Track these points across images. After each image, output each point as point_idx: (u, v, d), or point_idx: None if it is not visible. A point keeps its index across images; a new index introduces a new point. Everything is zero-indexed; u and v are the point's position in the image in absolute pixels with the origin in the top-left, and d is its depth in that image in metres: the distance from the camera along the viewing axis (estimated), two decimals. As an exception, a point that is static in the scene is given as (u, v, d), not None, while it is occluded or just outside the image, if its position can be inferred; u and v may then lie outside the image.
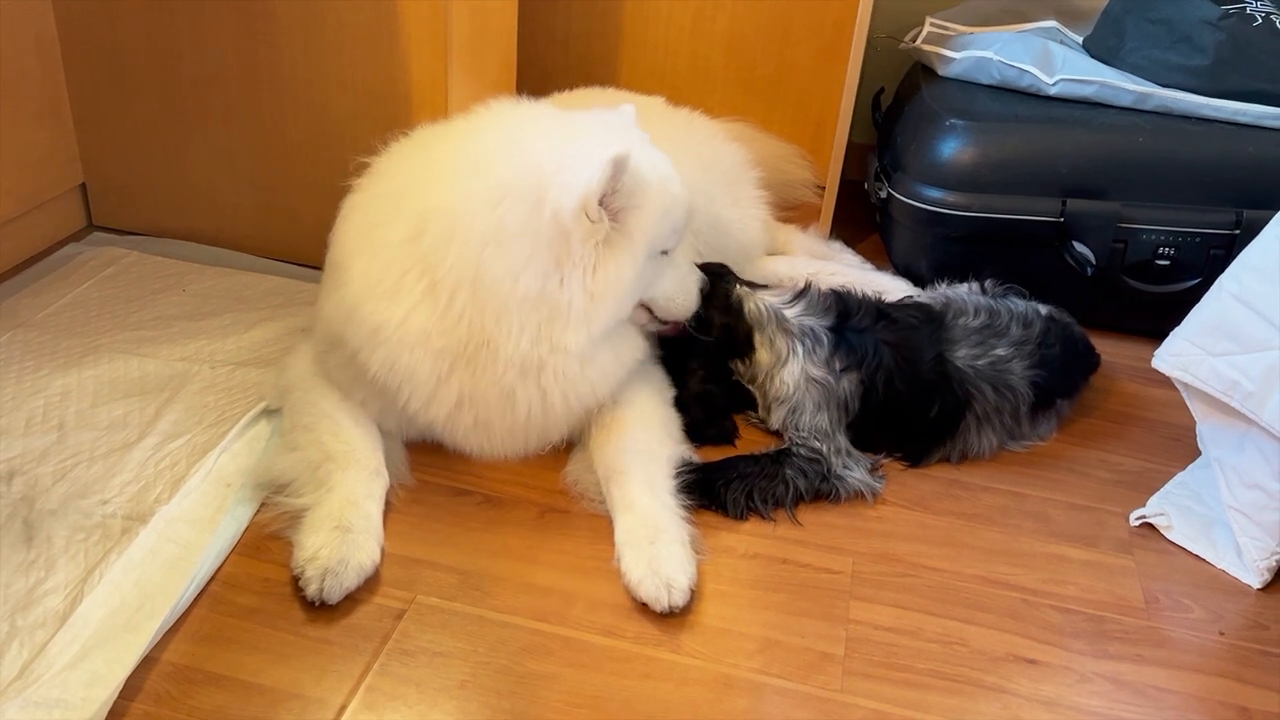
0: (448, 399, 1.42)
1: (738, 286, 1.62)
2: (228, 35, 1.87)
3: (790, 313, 1.59)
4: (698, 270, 1.58)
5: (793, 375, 1.55)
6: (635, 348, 1.51)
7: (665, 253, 1.47)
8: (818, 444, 1.54)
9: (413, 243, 1.37)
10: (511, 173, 1.36)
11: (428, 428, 1.49)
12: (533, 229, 1.33)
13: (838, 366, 1.55)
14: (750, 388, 1.61)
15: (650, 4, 2.33)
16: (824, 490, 1.52)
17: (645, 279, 1.43)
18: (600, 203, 1.32)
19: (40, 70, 1.93)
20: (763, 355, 1.57)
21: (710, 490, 1.48)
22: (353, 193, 1.51)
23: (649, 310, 1.51)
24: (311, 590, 1.25)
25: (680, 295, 1.52)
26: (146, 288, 1.89)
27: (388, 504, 1.41)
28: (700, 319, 1.58)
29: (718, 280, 1.62)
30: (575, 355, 1.39)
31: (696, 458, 1.54)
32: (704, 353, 1.60)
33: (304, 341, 1.61)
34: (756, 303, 1.59)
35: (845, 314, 1.61)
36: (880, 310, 1.65)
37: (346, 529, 1.30)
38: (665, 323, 1.55)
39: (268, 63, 1.87)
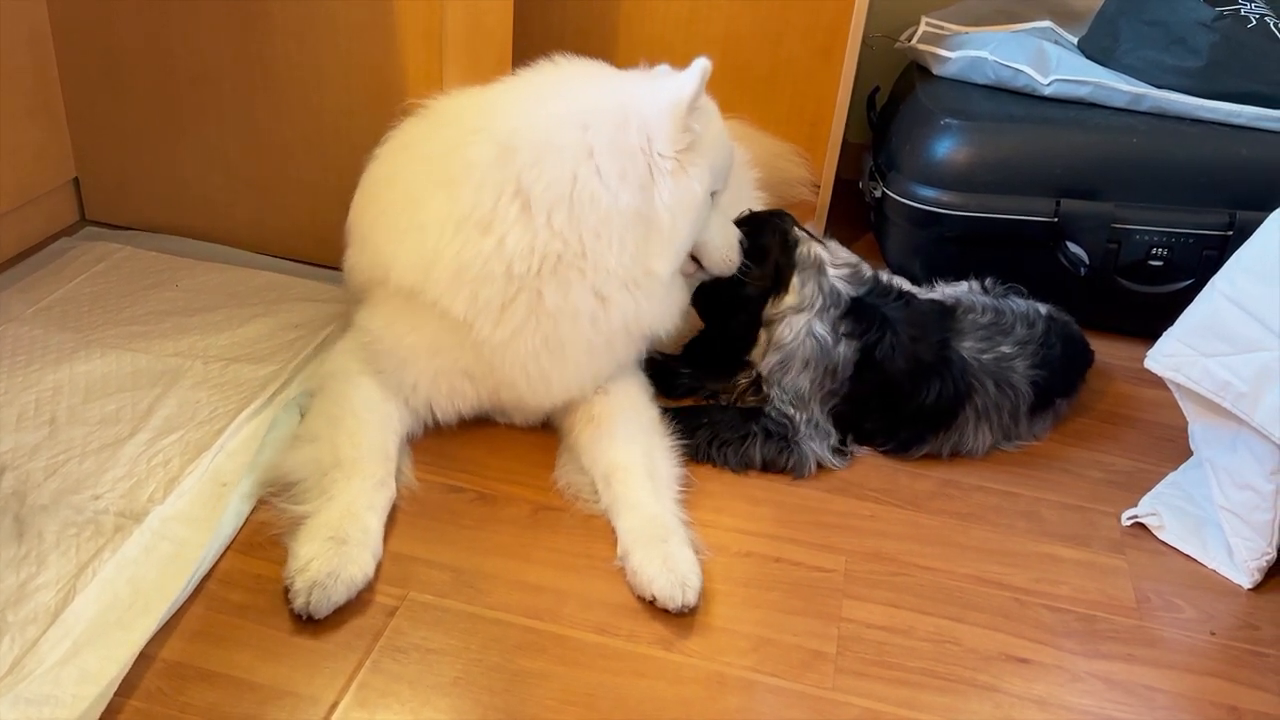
0: (513, 319, 1.43)
1: (796, 229, 1.65)
2: (222, 32, 1.87)
3: (832, 271, 1.62)
4: (738, 230, 1.62)
5: (800, 323, 1.57)
6: (686, 294, 1.59)
7: (713, 198, 1.51)
8: (791, 411, 1.57)
9: (503, 163, 1.39)
10: (594, 99, 1.43)
11: (497, 362, 1.47)
12: (623, 147, 1.39)
13: (841, 331, 1.57)
14: (762, 330, 1.63)
15: (646, 3, 2.33)
16: (782, 460, 1.56)
17: (707, 211, 1.48)
18: (689, 113, 1.39)
19: (33, 66, 1.92)
20: (791, 299, 1.60)
21: (686, 427, 1.57)
22: (402, 128, 1.53)
23: (696, 261, 1.56)
24: (298, 604, 1.23)
25: (725, 243, 1.57)
26: (139, 283, 1.89)
27: (392, 509, 1.40)
28: (753, 254, 1.62)
29: (778, 220, 1.66)
30: (664, 279, 1.45)
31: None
32: (752, 286, 1.62)
33: (351, 333, 1.59)
34: (809, 248, 1.62)
35: (872, 289, 1.64)
36: (900, 292, 1.68)
37: (342, 540, 1.28)
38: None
39: (262, 60, 1.87)
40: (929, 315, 1.65)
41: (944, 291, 1.80)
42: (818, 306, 1.58)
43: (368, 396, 1.48)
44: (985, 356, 1.63)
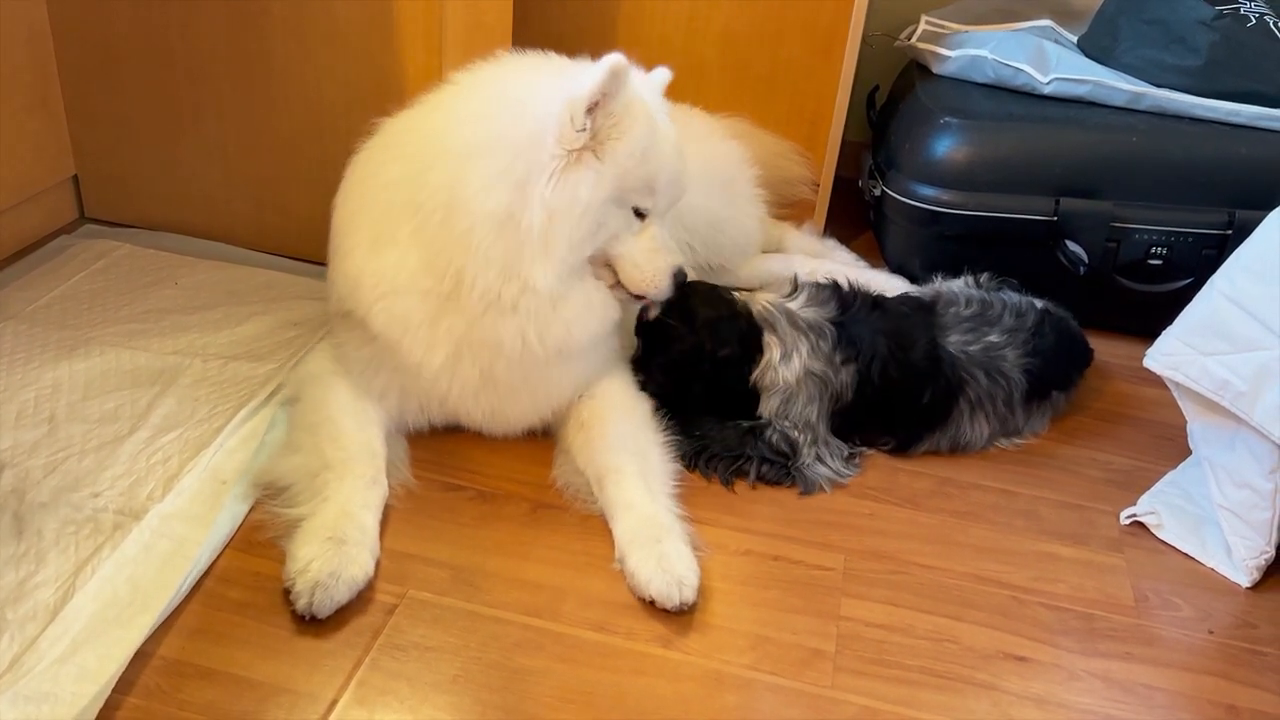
0: (445, 345, 1.40)
1: (735, 294, 1.59)
2: (220, 28, 1.87)
3: (795, 305, 1.59)
4: (677, 258, 1.49)
5: (793, 370, 1.54)
6: (609, 304, 1.46)
7: (642, 216, 1.43)
8: (796, 434, 1.55)
9: (406, 177, 1.38)
10: (503, 89, 1.38)
11: (441, 393, 1.47)
12: (511, 137, 1.32)
13: (838, 360, 1.56)
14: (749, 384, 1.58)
15: (646, 1, 2.33)
16: (783, 482, 1.54)
17: (606, 221, 1.38)
18: (588, 111, 1.30)
19: (32, 62, 1.92)
20: (772, 353, 1.55)
21: (672, 431, 1.54)
22: (360, 150, 1.52)
23: (614, 273, 1.46)
24: (301, 604, 1.23)
25: (648, 266, 1.44)
26: (138, 281, 1.89)
27: (386, 506, 1.40)
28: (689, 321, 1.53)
29: (711, 289, 1.58)
30: (544, 294, 1.35)
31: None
32: (717, 368, 1.55)
33: (328, 335, 1.60)
34: (763, 304, 1.58)
35: (844, 305, 1.61)
36: (874, 300, 1.66)
37: (340, 540, 1.28)
38: (633, 295, 1.48)
39: (260, 56, 1.87)
40: (911, 317, 1.64)
41: (922, 289, 1.81)
42: (805, 349, 1.55)
43: (342, 399, 1.47)
44: (972, 348, 1.63)
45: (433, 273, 1.37)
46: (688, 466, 1.54)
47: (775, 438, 1.55)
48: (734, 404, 1.58)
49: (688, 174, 1.49)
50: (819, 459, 1.55)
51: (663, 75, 1.54)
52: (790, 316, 1.57)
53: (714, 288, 1.61)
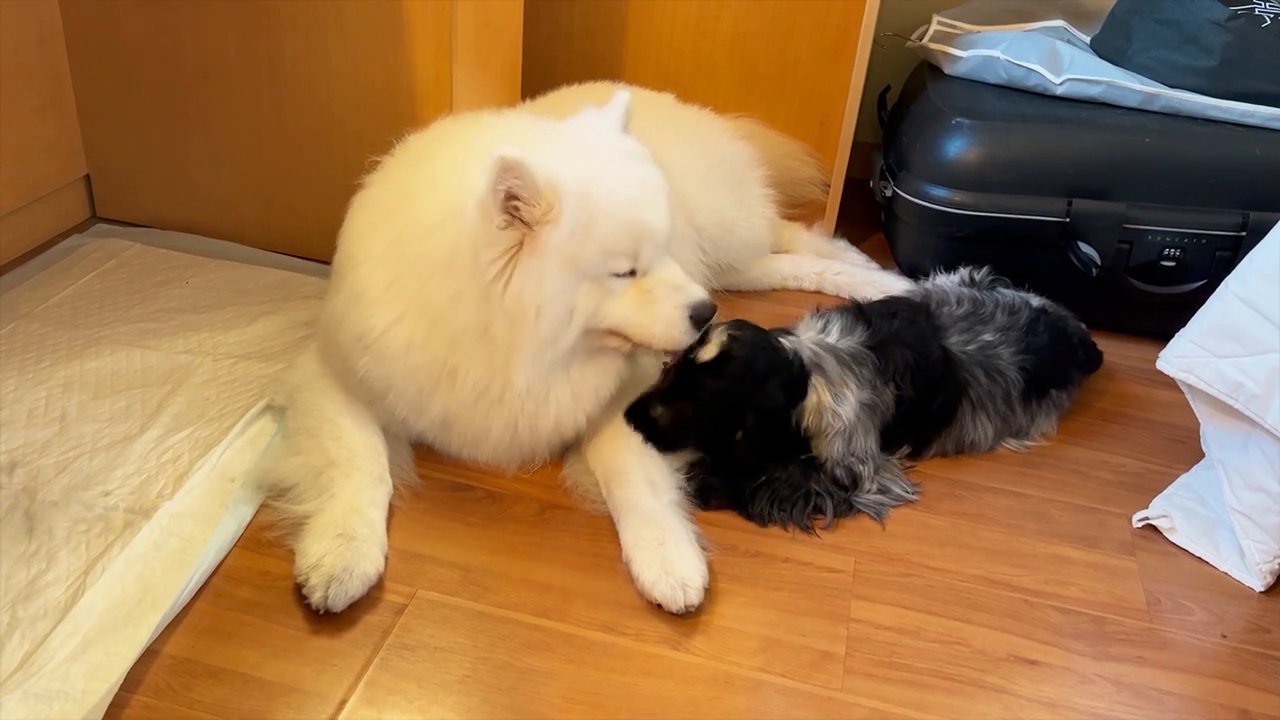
0: (433, 413, 1.41)
1: (780, 338, 1.51)
2: (229, 29, 1.87)
3: (834, 340, 1.54)
4: (687, 296, 1.37)
5: (850, 407, 1.49)
6: (601, 384, 1.44)
7: (631, 274, 1.36)
8: (860, 468, 1.51)
9: (391, 256, 1.38)
10: (449, 195, 1.34)
11: (428, 441, 1.50)
12: (459, 255, 1.31)
13: (879, 383, 1.53)
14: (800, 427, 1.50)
15: (655, 2, 2.33)
16: (844, 513, 1.50)
17: (577, 303, 1.33)
18: (502, 210, 1.26)
19: (44, 63, 1.93)
20: (821, 396, 1.49)
21: (738, 496, 1.48)
22: (362, 189, 1.51)
23: (623, 336, 1.39)
24: (316, 599, 1.23)
25: (653, 322, 1.36)
26: (149, 280, 1.89)
27: (391, 504, 1.41)
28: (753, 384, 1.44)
29: (752, 334, 1.48)
30: (525, 391, 1.36)
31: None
32: (762, 419, 1.46)
33: (314, 340, 1.61)
34: (811, 347, 1.51)
35: (869, 324, 1.58)
36: (886, 311, 1.64)
37: (350, 537, 1.29)
38: (659, 351, 1.43)
39: (268, 57, 1.87)
40: (918, 325, 1.62)
41: (928, 285, 1.80)
42: (853, 382, 1.50)
43: (338, 402, 1.48)
44: (970, 348, 1.62)
45: (427, 353, 1.37)
46: (744, 510, 1.47)
47: (839, 472, 1.50)
48: (776, 449, 1.50)
49: (666, 218, 1.37)
50: (882, 488, 1.52)
51: (619, 104, 1.44)
52: (835, 353, 1.53)
53: (759, 333, 1.49)
